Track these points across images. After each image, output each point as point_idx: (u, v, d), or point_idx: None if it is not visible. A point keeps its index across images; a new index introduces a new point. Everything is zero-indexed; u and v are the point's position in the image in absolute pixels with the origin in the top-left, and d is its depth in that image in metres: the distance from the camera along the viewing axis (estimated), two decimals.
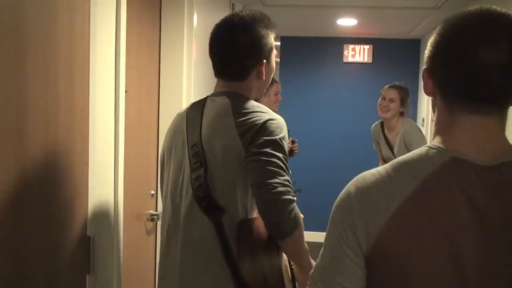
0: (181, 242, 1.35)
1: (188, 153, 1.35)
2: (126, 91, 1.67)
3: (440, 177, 0.79)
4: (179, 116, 1.49)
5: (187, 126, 1.40)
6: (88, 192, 1.44)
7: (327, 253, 0.86)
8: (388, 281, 0.80)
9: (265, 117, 1.31)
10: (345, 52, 5.48)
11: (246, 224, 1.31)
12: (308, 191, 4.74)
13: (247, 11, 1.43)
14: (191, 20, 2.40)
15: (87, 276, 1.47)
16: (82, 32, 1.39)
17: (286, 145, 1.31)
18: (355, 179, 0.87)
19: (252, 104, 1.37)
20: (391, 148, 3.44)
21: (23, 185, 1.15)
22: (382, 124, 3.54)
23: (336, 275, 0.83)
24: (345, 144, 5.44)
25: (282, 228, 1.22)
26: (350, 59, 5.49)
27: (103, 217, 1.53)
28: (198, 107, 1.43)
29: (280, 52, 5.40)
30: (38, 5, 1.18)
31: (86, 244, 1.45)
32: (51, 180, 1.27)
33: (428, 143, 0.86)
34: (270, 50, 1.44)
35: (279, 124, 1.32)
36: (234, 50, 1.39)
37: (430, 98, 0.93)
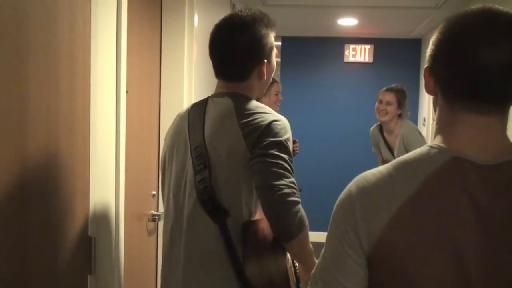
0: (184, 244, 1.35)
1: (191, 154, 1.34)
2: (127, 92, 1.67)
3: (442, 176, 0.79)
4: (180, 116, 1.48)
5: (189, 127, 1.39)
6: (89, 193, 1.44)
7: (329, 253, 0.86)
8: (390, 281, 0.80)
9: (270, 118, 1.30)
10: (346, 52, 5.48)
11: (251, 225, 1.30)
12: (309, 191, 4.74)
13: (247, 10, 1.42)
14: (191, 20, 2.40)
15: (89, 276, 1.47)
16: (83, 33, 1.39)
17: (291, 146, 1.31)
18: (356, 179, 0.87)
19: (255, 104, 1.36)
20: (391, 150, 3.43)
21: (24, 186, 1.15)
22: (380, 127, 3.52)
23: (337, 276, 0.83)
24: (346, 144, 5.44)
25: (288, 230, 1.22)
26: (351, 59, 5.49)
27: (105, 217, 1.53)
28: (199, 108, 1.42)
29: (281, 52, 5.40)
30: (39, 5, 1.18)
31: (87, 244, 1.45)
32: (52, 181, 1.27)
33: (429, 143, 0.86)
34: (271, 49, 1.43)
35: (284, 125, 1.32)
36: (235, 51, 1.38)
37: (431, 98, 0.93)
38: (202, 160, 1.31)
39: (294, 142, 3.33)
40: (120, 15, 1.58)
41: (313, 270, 0.89)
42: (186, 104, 2.31)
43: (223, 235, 1.28)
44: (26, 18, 1.13)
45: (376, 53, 5.45)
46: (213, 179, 1.29)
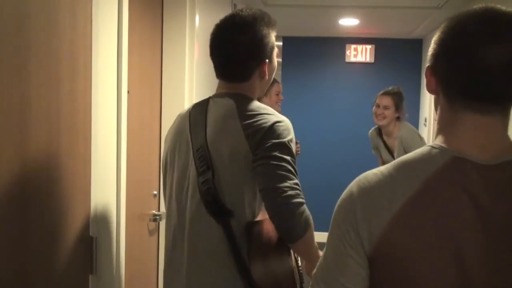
0: (187, 245, 1.34)
1: (194, 156, 1.34)
2: (128, 92, 1.67)
3: (443, 176, 0.79)
4: (181, 117, 1.47)
5: (191, 128, 1.39)
6: (90, 192, 1.44)
7: (330, 254, 0.86)
8: (391, 281, 0.80)
9: (272, 119, 1.30)
10: (347, 52, 5.48)
11: (255, 226, 1.30)
12: (310, 191, 4.72)
13: (248, 10, 1.41)
14: (193, 20, 2.40)
15: (90, 276, 1.47)
16: (84, 33, 1.39)
17: (294, 147, 1.30)
18: (357, 179, 0.87)
19: (258, 105, 1.36)
20: (391, 153, 3.42)
21: (25, 186, 1.15)
22: (379, 130, 3.50)
23: (339, 276, 0.83)
24: (347, 144, 5.44)
25: (294, 232, 1.22)
26: (352, 59, 5.48)
27: (106, 217, 1.54)
28: (200, 108, 1.41)
29: (282, 52, 5.40)
30: (40, 5, 1.19)
31: (88, 244, 1.45)
32: (53, 181, 1.27)
33: (431, 142, 0.86)
34: (272, 49, 1.42)
35: (287, 126, 1.31)
36: (236, 51, 1.37)
37: (432, 98, 0.93)
38: (205, 161, 1.30)
39: (295, 143, 3.31)
40: (121, 15, 1.58)
41: (314, 270, 0.89)
42: (187, 104, 2.31)
43: (227, 236, 1.28)
44: (27, 18, 1.13)
45: (377, 53, 5.45)
46: (216, 180, 1.29)
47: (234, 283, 1.29)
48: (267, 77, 1.43)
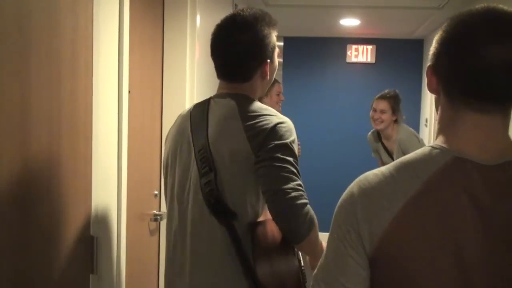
0: (190, 247, 1.34)
1: (195, 157, 1.33)
2: (129, 92, 1.67)
3: (443, 177, 0.79)
4: (182, 117, 1.47)
5: (192, 128, 1.38)
6: (91, 192, 1.44)
7: (330, 254, 0.86)
8: (392, 281, 0.80)
9: (274, 120, 1.29)
10: (348, 52, 5.48)
11: (259, 226, 1.30)
12: (310, 191, 4.71)
13: (248, 10, 1.40)
14: (194, 20, 2.40)
15: (91, 276, 1.47)
16: (85, 33, 1.39)
17: (296, 148, 1.30)
18: (358, 179, 0.87)
19: (259, 106, 1.35)
20: (391, 156, 3.42)
21: (26, 185, 1.15)
22: (378, 134, 3.49)
23: (339, 276, 0.83)
24: (347, 144, 5.43)
25: (298, 233, 1.22)
26: (353, 59, 5.48)
27: (107, 217, 1.54)
28: (202, 108, 1.41)
29: (283, 52, 5.40)
30: (41, 6, 1.19)
31: (89, 244, 1.46)
32: (54, 180, 1.27)
33: (431, 142, 0.86)
34: (273, 49, 1.42)
35: (289, 127, 1.31)
36: (237, 51, 1.36)
37: (433, 99, 0.93)
38: (207, 162, 1.30)
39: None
40: (122, 15, 1.58)
41: (315, 271, 0.89)
42: (188, 104, 2.31)
43: (231, 237, 1.28)
44: (28, 18, 1.13)
45: (378, 54, 5.44)
46: (218, 182, 1.28)
47: (238, 283, 1.28)
48: (268, 77, 1.43)
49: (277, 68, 1.48)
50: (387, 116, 3.30)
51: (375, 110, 3.35)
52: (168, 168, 1.45)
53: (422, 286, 0.78)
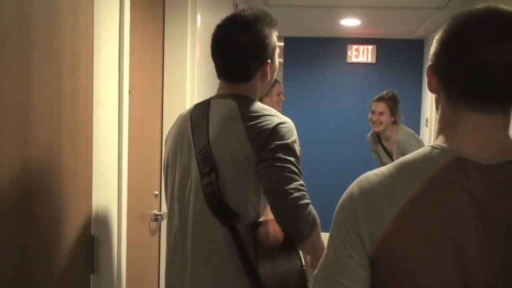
0: (191, 248, 1.34)
1: (196, 157, 1.33)
2: (129, 92, 1.67)
3: (444, 177, 0.79)
4: (182, 117, 1.46)
5: (192, 129, 1.38)
6: (92, 192, 1.44)
7: (331, 254, 0.86)
8: (392, 281, 0.80)
9: (275, 120, 1.29)
10: (349, 53, 5.48)
11: (261, 227, 1.30)
12: (311, 191, 4.71)
13: (249, 10, 1.40)
14: (194, 20, 2.40)
15: (91, 276, 1.47)
16: (85, 33, 1.39)
17: (297, 148, 1.30)
18: (358, 179, 0.87)
19: (260, 106, 1.35)
20: (391, 156, 3.42)
21: (27, 185, 1.15)
22: (377, 135, 3.49)
23: (340, 276, 0.83)
24: (348, 144, 5.43)
25: (301, 233, 1.22)
26: (354, 60, 5.48)
27: (107, 217, 1.54)
28: (202, 109, 1.40)
29: (283, 52, 5.40)
30: (42, 5, 1.19)
31: (90, 244, 1.46)
32: (55, 180, 1.27)
33: (432, 142, 0.86)
34: (274, 49, 1.41)
35: (290, 127, 1.31)
36: (238, 52, 1.36)
37: (433, 99, 0.92)
38: (208, 162, 1.29)
39: None
40: (123, 15, 1.58)
41: (315, 271, 0.89)
42: (188, 104, 2.32)
43: (233, 237, 1.28)
44: (28, 18, 1.13)
45: (379, 54, 5.44)
46: (219, 182, 1.28)
47: (239, 283, 1.28)
48: (268, 77, 1.43)
49: (277, 68, 1.48)
50: (385, 118, 3.30)
51: (373, 112, 3.35)
52: (169, 168, 1.45)
53: (422, 286, 0.78)
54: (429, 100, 4.82)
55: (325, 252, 0.88)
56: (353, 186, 0.86)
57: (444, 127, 0.86)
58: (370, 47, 5.43)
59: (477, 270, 0.76)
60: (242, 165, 1.28)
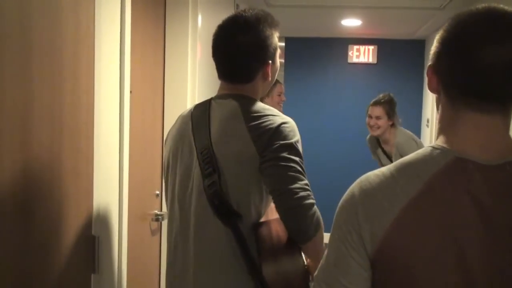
0: (193, 248, 1.33)
1: (198, 158, 1.32)
2: (130, 92, 1.67)
3: (444, 177, 0.79)
4: (183, 118, 1.46)
5: (193, 129, 1.37)
6: (93, 192, 1.45)
7: (332, 255, 0.86)
8: (393, 282, 0.80)
9: (278, 120, 1.29)
10: (350, 53, 5.47)
11: (263, 227, 1.30)
12: (312, 192, 4.71)
13: (250, 10, 1.40)
14: (195, 20, 2.40)
15: (92, 275, 1.47)
16: (87, 33, 1.39)
17: (301, 148, 1.30)
18: (358, 180, 0.87)
19: (262, 106, 1.35)
20: (390, 159, 3.41)
21: (28, 185, 1.15)
22: (377, 138, 3.49)
23: (340, 277, 0.83)
24: (349, 145, 5.43)
25: (306, 233, 1.22)
26: (355, 60, 5.48)
27: (108, 216, 1.54)
28: (203, 109, 1.40)
29: (284, 53, 5.39)
30: (43, 5, 1.19)
31: (91, 243, 1.46)
32: (56, 180, 1.27)
33: (433, 143, 0.86)
34: (275, 50, 1.41)
35: (292, 127, 1.31)
36: (239, 52, 1.36)
37: (434, 99, 0.92)
38: (210, 163, 1.29)
39: None
40: (124, 15, 1.59)
41: (316, 272, 0.89)
42: (189, 104, 2.32)
43: (236, 238, 1.27)
44: (29, 18, 1.14)
45: (379, 54, 5.44)
46: (222, 183, 1.28)
47: (243, 284, 1.28)
48: (270, 78, 1.43)
49: (278, 69, 1.48)
50: (383, 122, 3.30)
51: (370, 117, 3.34)
52: (169, 169, 1.45)
53: (423, 286, 0.78)
54: (430, 100, 4.82)
55: (325, 252, 0.88)
56: (354, 187, 0.86)
57: (444, 127, 0.86)
58: (371, 47, 5.43)
59: (477, 271, 0.76)
60: (245, 165, 1.28)
